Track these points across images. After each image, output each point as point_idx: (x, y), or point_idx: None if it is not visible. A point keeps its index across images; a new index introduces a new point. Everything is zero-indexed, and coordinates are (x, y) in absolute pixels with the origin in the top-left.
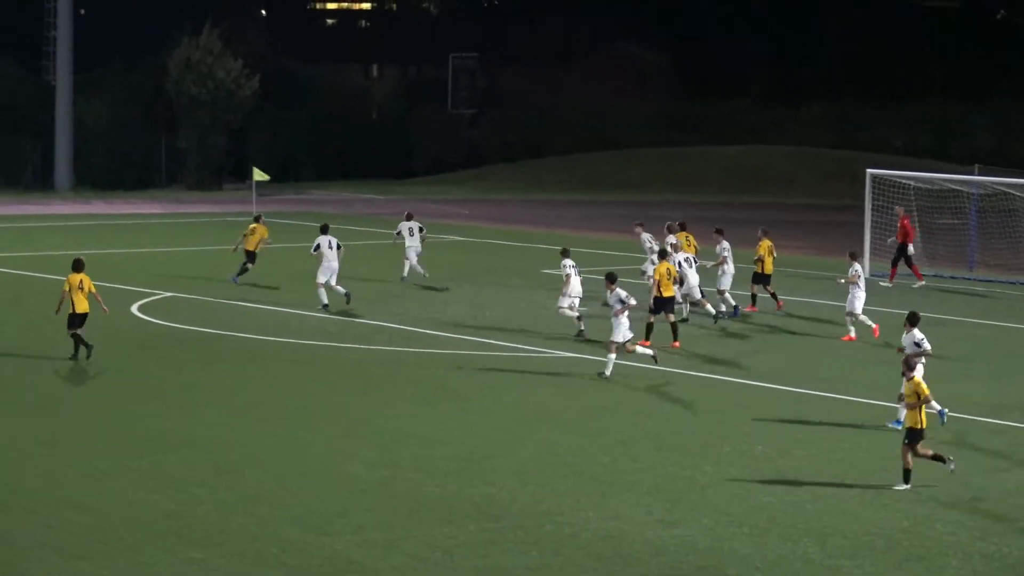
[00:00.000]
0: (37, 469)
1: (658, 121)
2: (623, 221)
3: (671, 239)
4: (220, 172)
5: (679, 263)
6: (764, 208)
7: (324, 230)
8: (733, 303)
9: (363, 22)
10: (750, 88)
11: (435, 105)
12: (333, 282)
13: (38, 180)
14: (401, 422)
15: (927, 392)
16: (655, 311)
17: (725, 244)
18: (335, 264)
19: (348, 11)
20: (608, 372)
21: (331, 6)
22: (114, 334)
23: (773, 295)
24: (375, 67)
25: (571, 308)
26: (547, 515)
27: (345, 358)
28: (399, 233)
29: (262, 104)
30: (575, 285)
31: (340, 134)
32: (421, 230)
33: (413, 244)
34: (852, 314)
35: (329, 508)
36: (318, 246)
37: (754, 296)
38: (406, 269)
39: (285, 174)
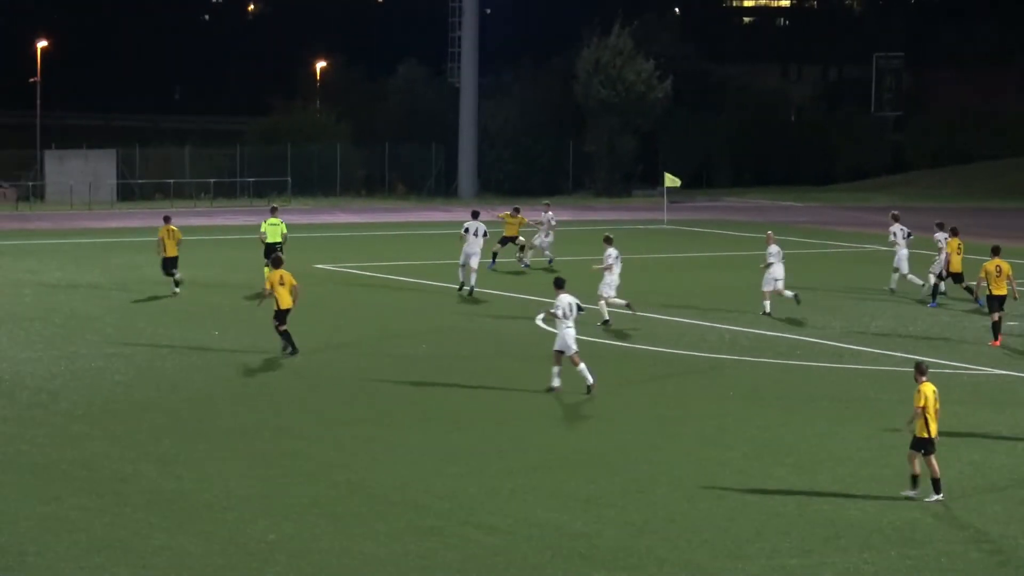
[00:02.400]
0: (442, 487)
1: None
2: None
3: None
4: (629, 178)
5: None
6: None
7: (475, 216)
8: None
9: (782, 20)
10: None
11: (857, 107)
12: (474, 265)
13: (442, 186)
14: (820, 441)
15: (919, 404)
16: (991, 308)
17: None
18: (477, 249)
19: (766, 8)
20: (555, 384)
21: (748, 4)
22: (519, 347)
23: None
24: (794, 67)
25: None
26: (973, 541)
27: (762, 373)
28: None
29: (674, 107)
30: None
31: (756, 138)
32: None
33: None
34: None
35: (743, 531)
36: (466, 230)
37: None
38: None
39: (698, 180)
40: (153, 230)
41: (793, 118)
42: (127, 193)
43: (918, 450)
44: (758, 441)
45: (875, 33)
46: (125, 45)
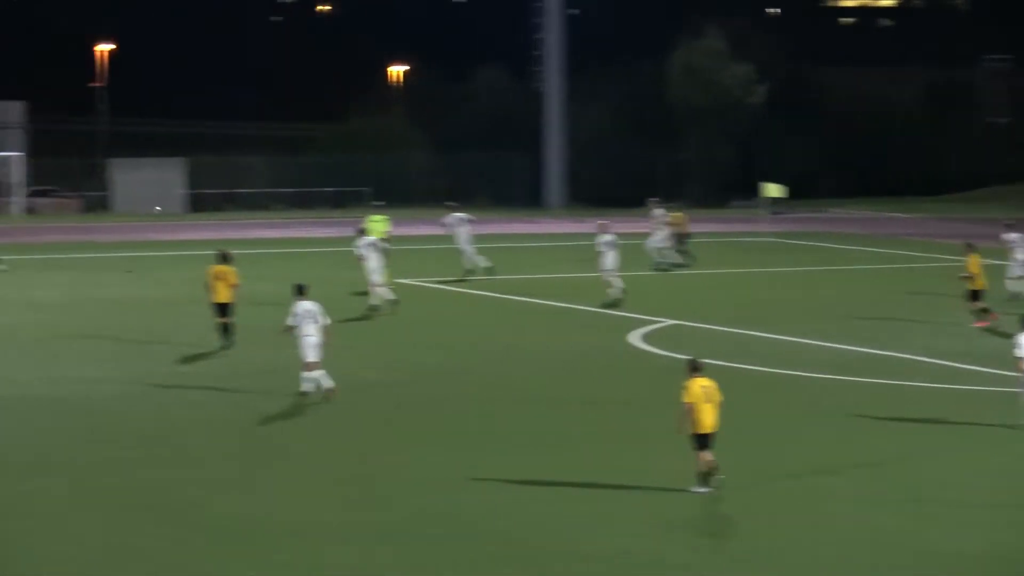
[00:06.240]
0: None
1: None
2: None
3: None
4: (726, 188)
5: None
6: None
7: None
8: None
9: (885, 21)
10: None
11: (966, 112)
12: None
13: (528, 196)
14: (927, 466)
15: (685, 400)
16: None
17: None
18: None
19: (868, 9)
20: (305, 388)
21: (849, 4)
22: (612, 365)
23: None
24: (898, 70)
25: None
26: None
27: (867, 393)
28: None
29: (772, 112)
30: None
31: (860, 145)
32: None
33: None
34: None
35: (854, 559)
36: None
37: None
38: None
39: (799, 190)
40: (222, 243)
41: (899, 124)
42: (197, 203)
43: (699, 446)
44: (868, 466)
45: (984, 34)
46: (192, 48)
